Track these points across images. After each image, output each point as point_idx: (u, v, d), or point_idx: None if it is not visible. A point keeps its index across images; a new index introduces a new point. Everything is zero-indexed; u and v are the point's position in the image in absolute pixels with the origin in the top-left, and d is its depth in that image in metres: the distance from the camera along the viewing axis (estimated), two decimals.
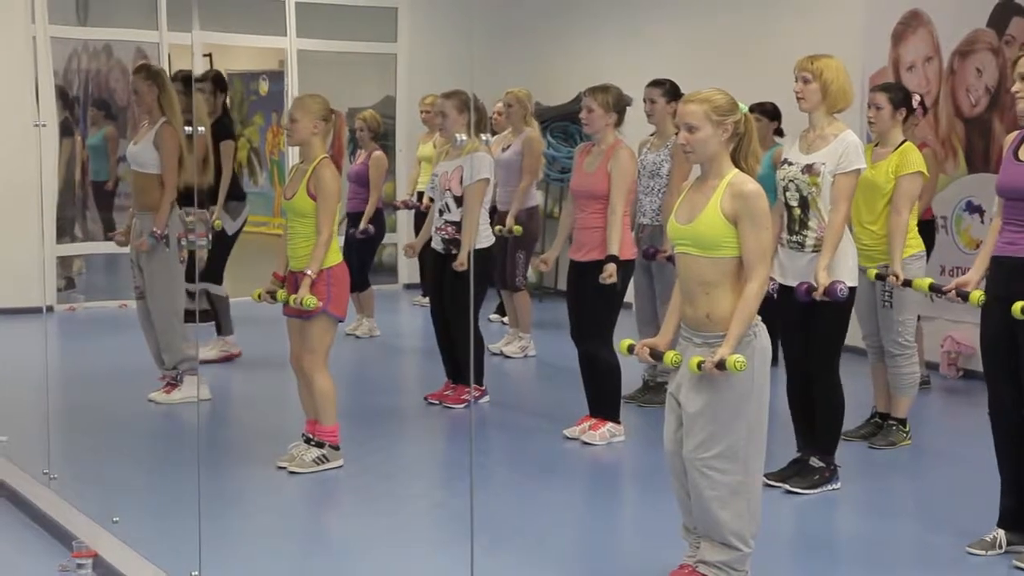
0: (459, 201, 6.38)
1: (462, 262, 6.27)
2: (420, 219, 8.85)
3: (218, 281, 7.71)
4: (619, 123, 5.91)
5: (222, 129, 7.60)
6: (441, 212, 6.49)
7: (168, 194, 6.43)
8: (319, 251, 5.25)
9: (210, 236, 7.47)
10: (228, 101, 7.84)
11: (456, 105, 6.45)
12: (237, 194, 7.66)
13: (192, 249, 6.68)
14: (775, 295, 5.02)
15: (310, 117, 5.34)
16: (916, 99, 5.99)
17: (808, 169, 5.02)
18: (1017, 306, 4.19)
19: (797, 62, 5.09)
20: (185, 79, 7.69)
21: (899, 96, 5.77)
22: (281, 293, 5.37)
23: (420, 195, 9.09)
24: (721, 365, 3.71)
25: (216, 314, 7.77)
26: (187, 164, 6.51)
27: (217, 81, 7.74)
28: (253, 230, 9.48)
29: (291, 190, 5.39)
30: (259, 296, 5.48)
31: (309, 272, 5.22)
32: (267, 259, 8.08)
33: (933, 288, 5.03)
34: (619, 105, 5.87)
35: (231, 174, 7.58)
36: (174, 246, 6.45)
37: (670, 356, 3.90)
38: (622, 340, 4.08)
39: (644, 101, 6.57)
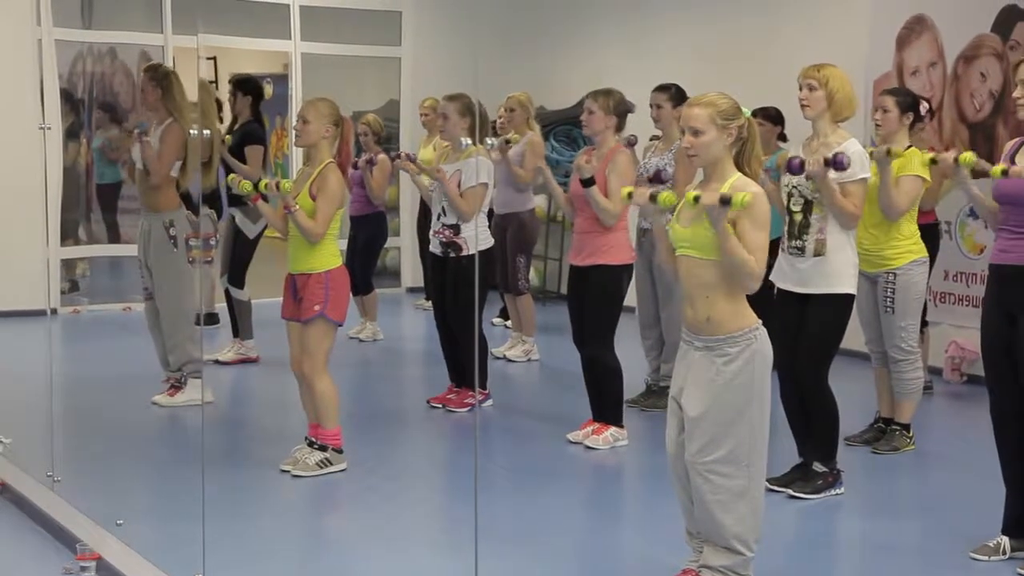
0: None
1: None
2: (423, 223, 8.86)
3: (240, 285, 7.74)
4: (620, 128, 5.92)
5: (250, 133, 7.61)
6: (439, 216, 6.50)
7: (155, 176, 6.39)
8: (307, 224, 5.21)
9: (218, 236, 7.48)
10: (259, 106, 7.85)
11: (458, 108, 6.46)
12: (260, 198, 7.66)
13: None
14: (774, 296, 5.04)
15: (322, 120, 5.34)
16: (924, 106, 5.99)
17: (812, 177, 5.02)
18: (966, 156, 4.40)
19: (802, 70, 5.11)
20: (237, 83, 7.75)
21: (907, 101, 5.78)
22: (246, 184, 5.43)
23: (421, 200, 9.10)
24: (725, 200, 3.69)
25: (235, 317, 7.79)
26: (192, 165, 6.51)
27: (241, 85, 7.75)
28: None
29: (294, 191, 5.38)
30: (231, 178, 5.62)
31: (296, 208, 5.21)
32: (272, 261, 8.11)
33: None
34: (620, 109, 5.87)
35: (256, 177, 7.58)
36: (182, 247, 6.46)
37: (664, 196, 3.91)
38: (623, 187, 4.05)
39: (650, 106, 6.58)
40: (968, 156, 4.49)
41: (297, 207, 5.23)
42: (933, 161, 4.95)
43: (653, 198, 3.93)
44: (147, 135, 6.45)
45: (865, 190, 5.10)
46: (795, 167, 4.98)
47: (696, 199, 3.78)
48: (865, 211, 5.53)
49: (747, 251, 3.77)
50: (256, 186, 5.48)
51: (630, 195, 4.04)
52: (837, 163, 4.90)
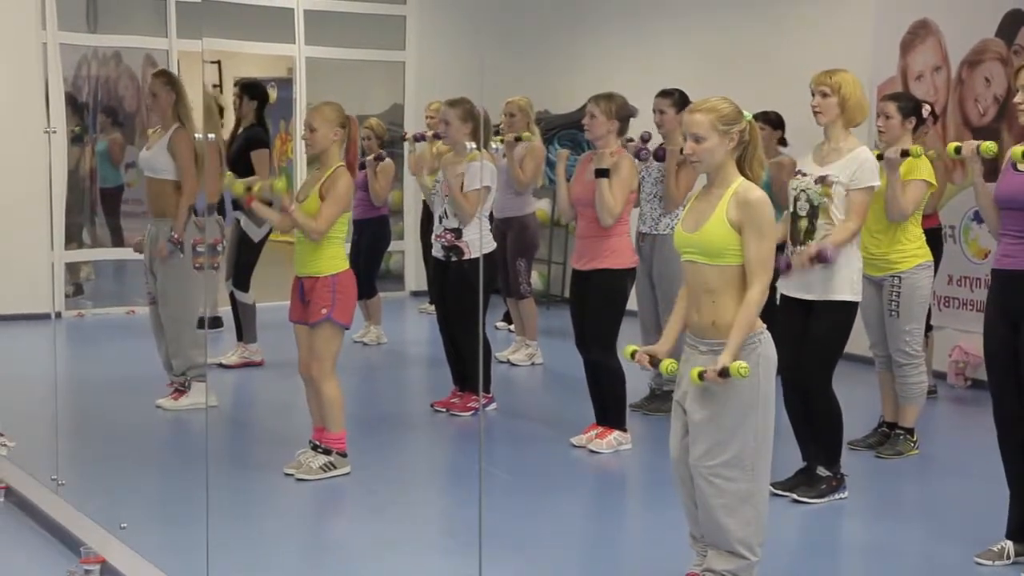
0: None
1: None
2: (426, 227, 8.87)
3: (245, 288, 7.75)
4: (622, 132, 5.92)
5: (255, 137, 7.63)
6: (441, 219, 6.50)
7: (186, 199, 6.45)
8: (309, 223, 5.22)
9: (225, 241, 7.49)
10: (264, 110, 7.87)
11: (459, 114, 6.47)
12: (264, 202, 7.66)
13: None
14: (777, 302, 5.03)
15: (329, 125, 5.35)
16: (926, 109, 6.00)
17: (821, 180, 5.03)
18: (989, 145, 4.37)
19: (814, 77, 5.10)
20: (244, 87, 7.77)
21: (908, 105, 5.78)
22: (237, 186, 5.51)
23: (424, 204, 9.11)
24: (724, 373, 3.71)
25: (239, 321, 7.80)
26: (200, 170, 6.53)
27: (248, 89, 7.77)
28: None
29: (303, 194, 5.40)
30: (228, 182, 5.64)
31: (293, 207, 5.22)
32: (276, 265, 8.13)
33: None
34: (621, 113, 5.88)
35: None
36: (188, 252, 6.47)
37: (666, 364, 3.89)
38: (627, 345, 4.06)
39: (653, 112, 6.58)
40: (991, 145, 4.48)
41: (294, 207, 5.24)
42: (957, 151, 4.81)
43: (654, 362, 3.91)
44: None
45: (868, 199, 5.10)
46: (781, 266, 4.99)
47: (701, 376, 3.76)
48: (870, 216, 5.54)
49: (751, 264, 3.78)
50: (249, 188, 5.50)
51: (633, 354, 3.99)
52: (821, 257, 4.93)
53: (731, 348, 3.74)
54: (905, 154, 5.50)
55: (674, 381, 4.06)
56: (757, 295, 3.78)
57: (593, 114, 5.85)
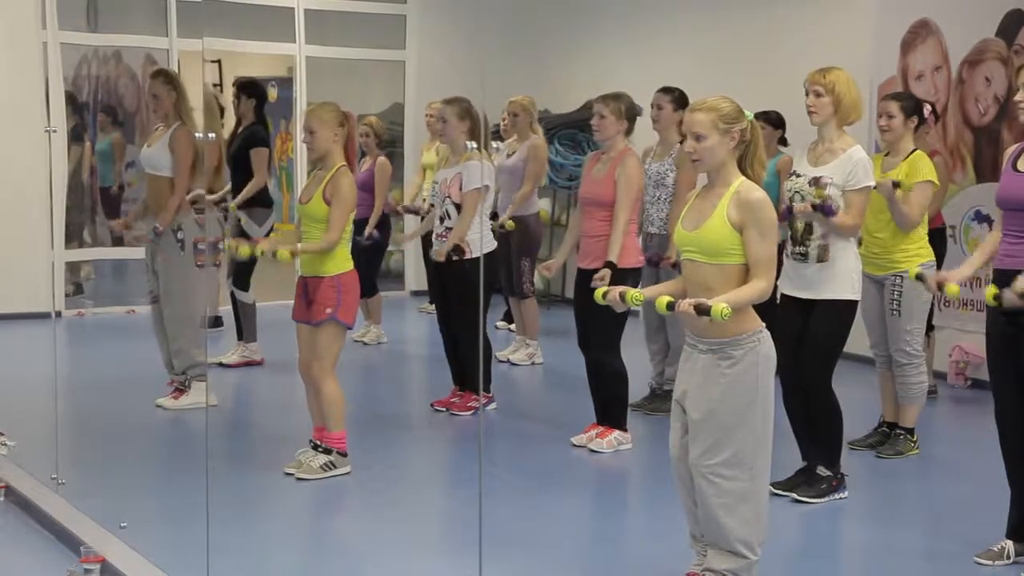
0: (459, 208, 6.40)
1: (440, 252, 6.32)
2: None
3: (245, 287, 7.75)
4: (629, 131, 5.92)
5: (254, 135, 7.63)
6: (442, 219, 6.50)
7: (177, 194, 6.45)
8: (319, 245, 5.25)
9: (225, 240, 7.49)
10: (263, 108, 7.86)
11: (456, 112, 6.47)
12: (265, 201, 7.68)
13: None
14: (777, 302, 5.04)
15: (328, 127, 5.35)
16: (927, 108, 6.00)
17: (815, 182, 5.02)
18: (989, 292, 4.18)
19: (808, 76, 5.10)
20: (241, 86, 7.77)
21: (911, 104, 5.78)
22: (244, 249, 5.49)
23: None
24: (703, 310, 3.70)
25: (240, 320, 7.80)
26: (199, 168, 6.53)
27: (245, 88, 7.77)
28: None
29: (307, 195, 5.40)
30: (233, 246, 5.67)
31: (300, 245, 5.25)
32: (276, 264, 8.12)
33: (919, 277, 4.68)
34: (630, 113, 5.88)
35: (262, 181, 7.61)
36: (189, 251, 6.46)
37: (631, 294, 3.98)
38: (597, 289, 4.16)
39: (652, 107, 6.57)
40: (954, 288, 4.39)
41: (300, 246, 5.26)
42: (996, 298, 4.75)
43: (623, 297, 3.98)
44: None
45: (867, 199, 5.10)
46: (783, 214, 4.99)
47: (669, 305, 3.80)
48: (870, 217, 5.54)
49: (756, 264, 3.77)
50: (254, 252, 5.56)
51: (604, 295, 4.08)
52: (826, 209, 4.92)
53: (717, 299, 3.71)
54: (896, 186, 5.50)
55: (674, 381, 4.07)
56: (763, 285, 3.77)
57: (603, 115, 5.84)
